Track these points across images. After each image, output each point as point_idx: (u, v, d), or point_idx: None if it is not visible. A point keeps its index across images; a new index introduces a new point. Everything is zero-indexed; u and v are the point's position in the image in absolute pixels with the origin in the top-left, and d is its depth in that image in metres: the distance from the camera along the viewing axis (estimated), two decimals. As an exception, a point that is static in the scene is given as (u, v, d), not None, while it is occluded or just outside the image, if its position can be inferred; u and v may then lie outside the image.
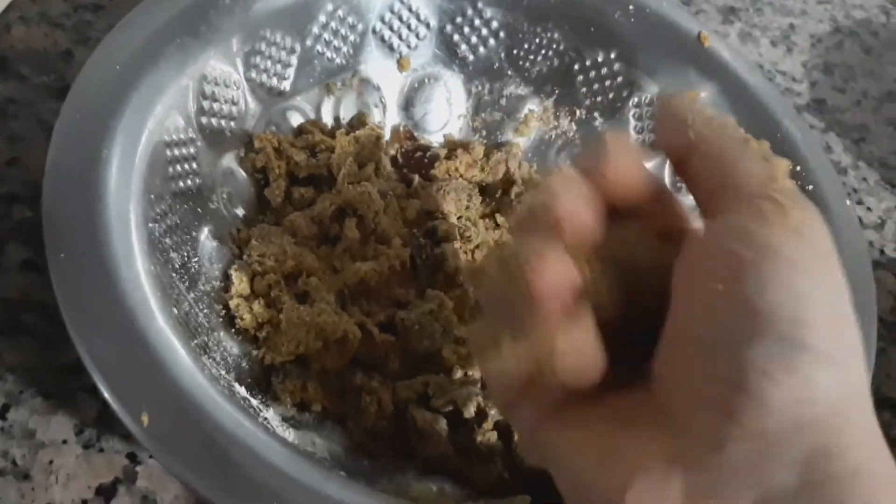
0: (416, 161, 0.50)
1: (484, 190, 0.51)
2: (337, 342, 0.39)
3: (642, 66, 0.49)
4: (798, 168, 0.45)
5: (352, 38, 0.48)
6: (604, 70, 0.50)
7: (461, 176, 0.50)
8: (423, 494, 0.35)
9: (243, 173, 0.45)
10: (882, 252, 0.56)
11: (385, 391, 0.39)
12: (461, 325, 0.42)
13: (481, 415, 0.39)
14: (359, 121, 0.49)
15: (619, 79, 0.50)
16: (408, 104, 0.52)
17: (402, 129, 0.51)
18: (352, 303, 0.42)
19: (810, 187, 0.45)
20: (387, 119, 0.51)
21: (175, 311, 0.34)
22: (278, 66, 0.46)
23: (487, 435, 0.38)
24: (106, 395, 0.30)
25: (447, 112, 0.52)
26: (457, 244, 0.46)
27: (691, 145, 0.24)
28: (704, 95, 0.48)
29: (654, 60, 0.49)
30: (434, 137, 0.52)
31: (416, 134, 0.51)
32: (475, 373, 0.41)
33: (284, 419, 0.37)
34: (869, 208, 0.59)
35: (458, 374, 0.41)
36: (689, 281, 0.23)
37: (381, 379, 0.40)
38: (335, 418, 0.39)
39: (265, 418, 0.34)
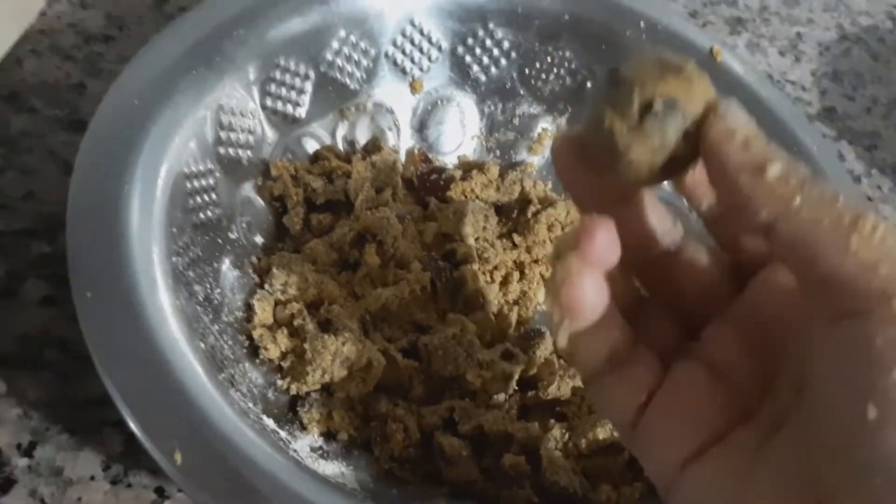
0: (432, 183, 0.50)
1: (500, 210, 0.51)
2: (361, 370, 0.39)
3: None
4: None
5: (365, 62, 0.48)
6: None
7: (477, 197, 0.50)
8: (454, 521, 0.35)
9: (261, 201, 0.45)
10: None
11: (410, 417, 0.39)
12: (483, 349, 0.42)
13: (508, 439, 0.39)
14: (374, 145, 0.49)
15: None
16: (422, 126, 0.52)
17: (416, 151, 0.51)
18: (374, 329, 0.42)
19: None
20: (401, 142, 0.51)
21: (202, 344, 0.34)
22: (293, 93, 0.46)
23: (516, 459, 0.38)
24: (137, 433, 0.30)
25: (461, 133, 0.52)
26: (475, 266, 0.46)
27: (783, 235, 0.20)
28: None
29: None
30: (448, 159, 0.52)
31: (430, 156, 0.51)
32: (500, 396, 0.41)
33: (313, 450, 0.36)
34: (885, 217, 0.59)
35: (482, 396, 0.41)
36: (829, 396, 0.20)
37: (405, 405, 0.40)
38: (362, 446, 0.38)
39: (295, 450, 0.34)
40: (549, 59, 0.51)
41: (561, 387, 0.41)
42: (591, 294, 0.22)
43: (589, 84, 0.51)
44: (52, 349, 0.41)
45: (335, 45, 0.47)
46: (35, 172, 0.47)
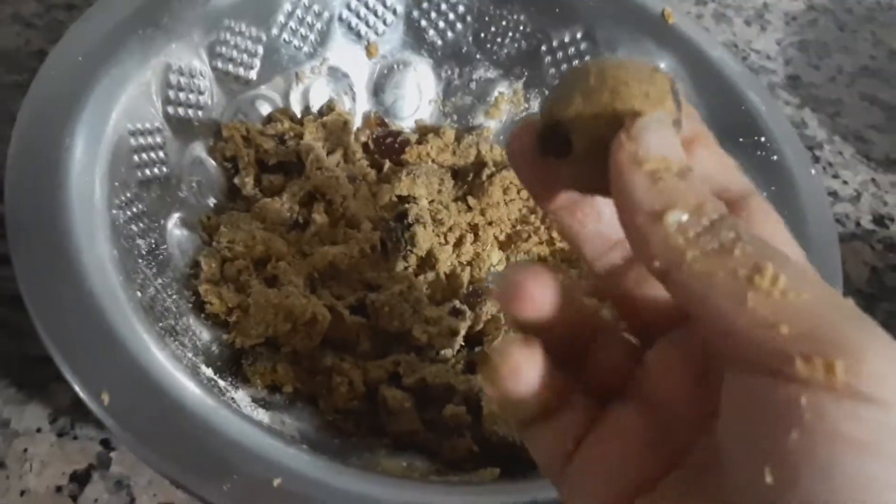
0: (388, 147, 0.50)
1: (456, 173, 0.51)
2: (306, 324, 0.39)
3: (603, 43, 0.50)
4: (763, 139, 0.45)
5: (318, 26, 0.49)
6: (571, 49, 0.51)
7: (433, 160, 0.50)
8: (392, 469, 0.35)
9: (213, 162, 0.45)
10: (858, 224, 0.57)
11: (356, 371, 0.39)
12: (430, 306, 0.42)
13: (450, 390, 0.39)
14: (328, 108, 0.50)
15: (587, 57, 0.51)
16: (378, 90, 0.52)
17: (372, 115, 0.51)
18: (322, 286, 0.43)
19: (775, 157, 0.45)
20: (357, 106, 0.51)
21: (139, 294, 0.34)
22: (244, 56, 0.46)
23: (456, 409, 0.38)
24: (65, 373, 0.30)
25: (417, 97, 0.53)
26: (429, 227, 0.46)
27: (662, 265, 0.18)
28: (663, 66, 0.48)
29: (614, 36, 0.50)
30: (405, 123, 0.53)
31: (387, 120, 0.52)
32: (446, 351, 0.41)
33: (255, 400, 0.37)
34: (845, 181, 0.59)
35: (429, 352, 0.41)
36: (734, 448, 0.18)
37: (351, 360, 0.40)
38: (306, 399, 0.39)
39: (232, 398, 0.34)
40: (504, 23, 0.51)
41: (505, 341, 0.41)
42: (528, 378, 0.21)
43: (543, 47, 0.51)
44: (3, 307, 0.41)
45: (287, 7, 0.47)
46: (-7, 137, 0.48)
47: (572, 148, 0.19)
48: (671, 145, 0.19)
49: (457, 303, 0.43)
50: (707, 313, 0.18)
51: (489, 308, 0.43)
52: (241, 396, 0.36)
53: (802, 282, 0.17)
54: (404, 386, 0.39)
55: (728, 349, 0.18)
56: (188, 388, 0.31)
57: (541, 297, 0.21)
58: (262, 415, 0.36)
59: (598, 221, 0.23)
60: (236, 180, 0.45)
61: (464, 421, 0.38)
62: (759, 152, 0.45)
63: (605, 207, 0.23)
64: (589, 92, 0.19)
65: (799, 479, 0.16)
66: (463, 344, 0.42)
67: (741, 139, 0.46)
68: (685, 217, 0.18)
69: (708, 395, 0.21)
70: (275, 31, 0.47)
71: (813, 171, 0.45)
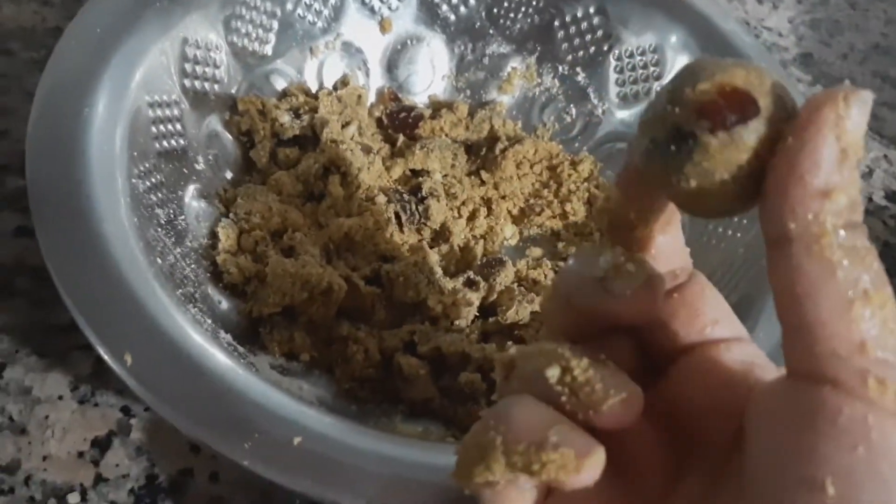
0: (401, 121, 0.50)
1: (469, 148, 0.51)
2: (322, 293, 0.40)
3: (616, 17, 0.50)
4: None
5: (332, 1, 0.49)
6: (583, 24, 0.51)
7: (446, 135, 0.51)
8: (409, 433, 0.36)
9: (229, 136, 0.45)
10: (870, 200, 0.57)
11: (371, 340, 0.40)
12: (445, 277, 0.43)
13: (465, 359, 0.39)
14: (342, 83, 0.50)
15: (599, 32, 0.51)
16: (391, 66, 0.52)
17: (386, 90, 0.52)
18: (337, 257, 0.43)
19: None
20: (371, 81, 0.52)
21: (159, 261, 0.35)
22: (259, 31, 0.46)
23: (471, 376, 0.38)
24: (89, 337, 0.30)
25: (431, 73, 0.53)
26: (443, 201, 0.46)
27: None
28: (674, 40, 0.48)
29: (625, 10, 0.50)
30: (419, 98, 0.53)
31: (400, 95, 0.52)
32: (460, 321, 0.42)
33: (272, 366, 0.37)
34: (857, 158, 0.59)
35: (444, 322, 0.41)
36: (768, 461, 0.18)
37: (367, 329, 0.41)
38: (323, 367, 0.39)
39: (251, 363, 0.35)
40: (517, -3, 0.52)
41: (519, 311, 0.41)
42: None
43: (556, 22, 0.51)
44: (24, 277, 0.42)
45: (303, -19, 0.47)
46: (11, 112, 0.48)
47: (758, 110, 0.17)
48: (864, 131, 0.18)
49: (471, 273, 0.43)
50: (808, 298, 0.17)
51: (503, 279, 0.43)
52: (259, 362, 0.37)
53: None
54: (419, 354, 0.40)
55: (802, 344, 0.17)
56: (209, 350, 0.32)
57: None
58: (279, 380, 0.36)
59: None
60: (252, 154, 0.45)
61: (479, 388, 0.38)
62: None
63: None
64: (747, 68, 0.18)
65: (861, 493, 0.16)
66: (477, 314, 0.43)
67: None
68: (845, 203, 0.17)
69: (678, 448, 0.21)
70: (289, 6, 0.47)
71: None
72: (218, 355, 0.32)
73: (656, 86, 0.50)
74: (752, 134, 0.17)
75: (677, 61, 0.49)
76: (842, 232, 0.17)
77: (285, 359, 0.39)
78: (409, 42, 0.52)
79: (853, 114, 0.17)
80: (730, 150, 0.18)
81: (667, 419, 0.22)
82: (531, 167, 0.50)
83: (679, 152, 0.18)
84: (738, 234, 0.44)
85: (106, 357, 0.30)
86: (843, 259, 0.17)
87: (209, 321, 0.35)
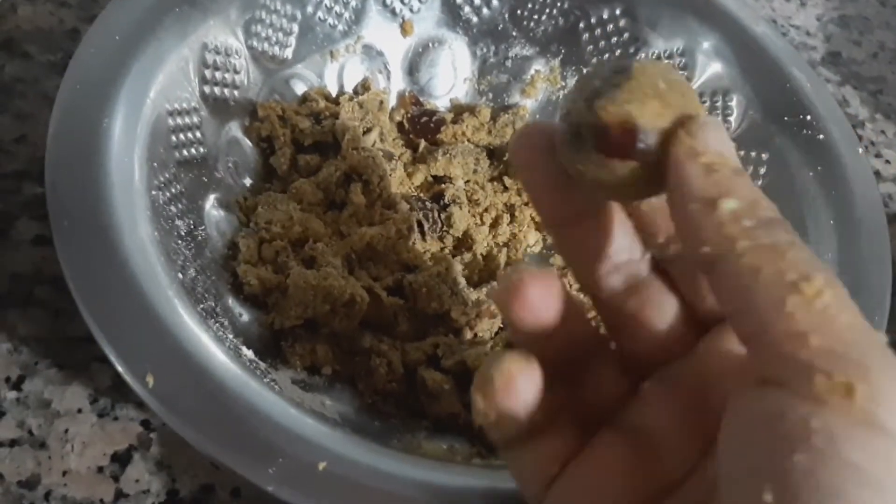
0: (423, 126, 0.49)
1: (492, 153, 0.50)
2: (345, 305, 0.39)
3: (643, 20, 0.49)
4: (808, 118, 0.44)
5: (353, 3, 0.48)
6: (609, 27, 0.50)
7: (468, 140, 0.50)
8: (434, 452, 0.35)
9: (249, 142, 0.45)
10: (900, 204, 0.55)
11: (394, 353, 0.39)
12: (469, 288, 0.42)
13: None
14: (363, 87, 0.49)
15: (625, 35, 0.50)
16: (413, 69, 0.51)
17: (407, 94, 0.51)
18: (359, 267, 0.42)
19: (821, 137, 0.44)
20: (392, 85, 0.51)
21: (180, 276, 0.34)
22: (279, 35, 0.46)
23: (497, 392, 0.38)
24: (110, 356, 0.30)
25: (452, 76, 0.52)
26: (465, 208, 0.46)
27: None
28: (707, 46, 0.47)
29: (655, 13, 0.49)
30: (440, 102, 0.52)
31: (421, 99, 0.51)
32: (484, 333, 0.41)
33: (294, 381, 0.37)
34: (888, 161, 0.58)
35: (468, 334, 0.41)
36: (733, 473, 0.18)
37: (390, 341, 0.40)
38: (345, 380, 0.39)
39: (273, 380, 0.34)
40: (541, 0, 0.50)
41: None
42: (522, 394, 0.21)
43: (581, 24, 0.50)
44: (43, 287, 0.41)
45: (323, -16, 0.46)
46: (29, 116, 0.48)
47: (637, 147, 0.19)
48: (728, 145, 0.19)
49: (495, 284, 0.42)
50: (744, 308, 0.17)
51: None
52: (282, 377, 0.36)
53: (844, 304, 0.17)
54: (443, 368, 0.39)
55: (755, 354, 0.18)
56: (232, 370, 0.31)
57: (542, 303, 0.20)
58: (302, 396, 0.36)
59: (604, 242, 0.22)
60: (272, 160, 0.45)
61: (504, 404, 0.37)
62: (804, 131, 0.44)
63: (617, 229, 0.22)
64: (663, 94, 0.19)
65: (797, 502, 0.16)
66: (502, 326, 0.42)
67: (786, 118, 0.45)
68: (739, 206, 0.18)
69: (703, 430, 0.21)
70: (310, 9, 0.46)
71: (860, 151, 0.44)
72: (241, 375, 0.31)
73: (684, 90, 0.48)
74: (628, 168, 0.19)
75: (709, 67, 0.47)
76: (756, 232, 0.17)
77: (307, 373, 0.38)
78: (430, 44, 0.51)
79: (703, 135, 0.18)
80: (615, 169, 0.19)
81: (690, 399, 0.22)
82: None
83: (578, 149, 0.20)
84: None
85: (128, 378, 0.29)
86: (762, 258, 0.17)
87: (231, 336, 0.35)
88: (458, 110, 0.51)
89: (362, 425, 0.36)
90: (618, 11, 0.49)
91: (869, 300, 0.38)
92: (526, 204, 0.48)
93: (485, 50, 0.52)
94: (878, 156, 0.58)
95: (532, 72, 0.52)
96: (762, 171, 0.45)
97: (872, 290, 0.38)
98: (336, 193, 0.44)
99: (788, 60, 0.46)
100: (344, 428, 0.33)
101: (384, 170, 0.44)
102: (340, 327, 0.39)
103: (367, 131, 0.46)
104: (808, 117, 0.44)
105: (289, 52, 0.46)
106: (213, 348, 0.31)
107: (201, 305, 0.34)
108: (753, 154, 0.45)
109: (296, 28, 0.46)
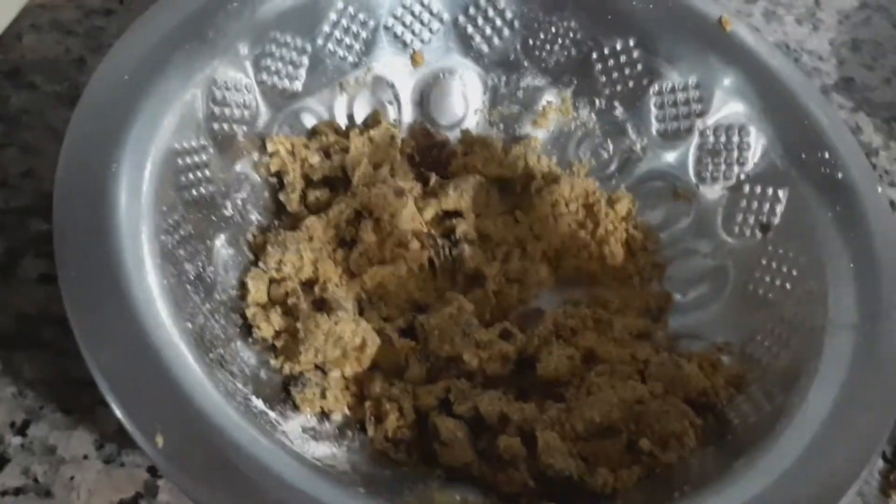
0: (433, 158, 0.49)
1: (503, 185, 0.50)
2: (355, 349, 0.38)
3: (662, 54, 0.48)
4: (827, 156, 0.43)
5: (363, 35, 0.47)
6: (622, 58, 0.49)
7: (479, 171, 0.49)
8: (446, 504, 0.34)
9: (258, 178, 0.44)
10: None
11: (406, 397, 0.38)
12: (481, 328, 0.41)
13: (504, 420, 0.38)
14: (373, 119, 0.48)
15: (639, 67, 0.49)
16: (423, 100, 0.51)
17: (417, 125, 0.50)
18: (370, 308, 0.42)
19: (840, 175, 0.43)
20: (402, 116, 0.50)
21: (189, 325, 0.34)
22: (289, 68, 0.45)
23: (511, 441, 0.37)
24: (118, 414, 0.29)
25: (463, 106, 0.51)
26: (476, 243, 0.45)
27: None
28: (727, 83, 0.47)
29: (673, 47, 0.48)
30: (451, 133, 0.51)
31: (432, 130, 0.50)
32: (496, 375, 0.40)
33: (304, 430, 0.36)
34: (900, 189, 0.57)
35: (479, 377, 0.40)
36: None
37: (401, 385, 0.39)
38: (356, 427, 0.38)
39: (283, 432, 0.34)
40: (553, 30, 0.50)
41: (559, 366, 0.40)
42: None
43: (594, 55, 0.50)
44: (49, 327, 0.41)
45: (332, 16, 0.46)
46: (35, 149, 0.47)
47: None
48: None
49: (507, 325, 0.42)
50: None
51: (540, 330, 0.41)
52: (292, 427, 0.36)
53: None
54: (456, 414, 0.38)
55: None
56: (243, 427, 0.30)
57: None
58: (313, 447, 0.35)
59: None
60: (281, 196, 0.44)
61: (518, 453, 0.37)
62: (823, 169, 0.43)
63: None
64: None
65: None
66: (515, 368, 0.41)
67: (804, 155, 0.44)
68: None
69: None
70: (320, 42, 0.46)
71: (880, 189, 0.43)
72: (252, 433, 0.30)
73: (698, 123, 0.48)
74: None
75: (727, 105, 0.47)
76: None
77: (317, 419, 0.37)
78: (441, 75, 0.50)
79: None
80: None
81: None
82: (567, 206, 0.48)
83: None
84: (788, 286, 0.42)
85: (136, 438, 0.29)
86: None
87: (240, 385, 0.34)
88: (469, 141, 0.50)
89: (373, 476, 0.36)
90: (631, 43, 0.49)
91: (889, 348, 0.37)
92: (537, 238, 0.47)
93: (496, 80, 0.51)
94: (892, 185, 0.57)
95: (544, 102, 0.51)
96: (779, 209, 0.44)
97: (893, 337, 0.38)
98: (346, 231, 0.43)
99: (806, 95, 0.46)
100: (355, 483, 0.33)
101: (395, 206, 0.43)
102: (351, 371, 0.39)
103: (378, 166, 0.45)
104: (827, 155, 0.43)
105: (299, 85, 0.46)
106: (223, 404, 0.31)
107: (210, 355, 0.34)
108: (770, 192, 0.45)
109: (306, 61, 0.46)
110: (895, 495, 0.43)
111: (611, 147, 0.51)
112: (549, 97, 0.51)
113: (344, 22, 0.46)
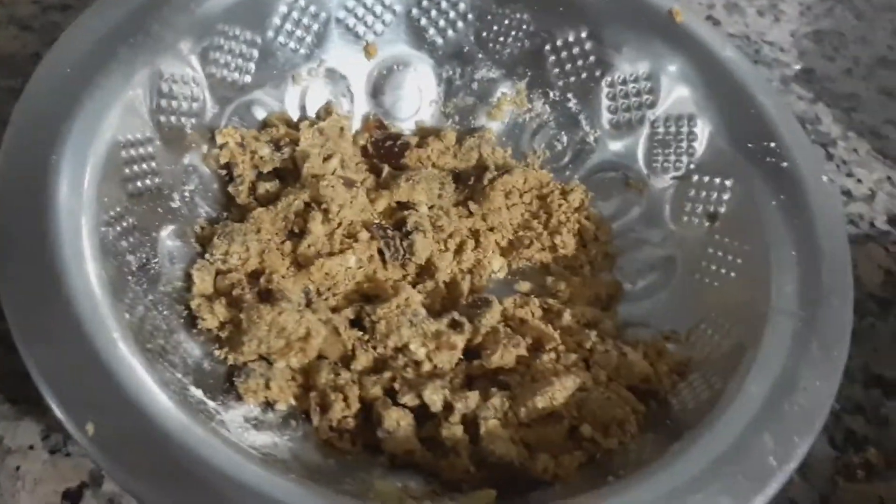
0: (387, 150, 0.49)
1: (457, 177, 0.50)
2: (300, 340, 0.38)
3: (609, 43, 0.48)
4: (773, 145, 0.44)
5: (315, 27, 0.48)
6: (575, 49, 0.49)
7: (434, 164, 0.49)
8: (386, 492, 0.35)
9: (207, 170, 0.44)
10: (872, 225, 0.55)
11: (352, 387, 0.39)
12: (429, 319, 0.41)
13: (448, 408, 0.38)
14: (326, 112, 0.48)
15: (591, 58, 0.49)
16: (377, 92, 0.51)
17: (371, 117, 0.50)
18: (318, 298, 0.42)
19: (785, 164, 0.43)
20: (356, 108, 0.50)
21: (128, 316, 0.34)
22: (239, 61, 0.45)
23: (453, 429, 0.37)
24: (50, 402, 0.29)
25: (418, 98, 0.51)
26: (429, 235, 0.45)
27: None
28: (672, 69, 0.47)
29: (620, 35, 0.48)
30: (405, 125, 0.51)
31: (386, 122, 0.51)
32: (444, 364, 0.40)
33: (247, 420, 0.36)
34: (859, 180, 0.57)
35: (427, 366, 0.40)
36: None
37: (347, 375, 0.39)
38: (301, 416, 0.38)
39: (221, 421, 0.34)
40: (507, 22, 0.50)
41: (505, 356, 0.40)
42: None
43: (547, 47, 0.50)
44: (-2, 320, 0.41)
45: (282, 9, 0.46)
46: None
47: None
48: None
49: (455, 315, 0.42)
50: None
51: (488, 319, 0.42)
52: (233, 417, 0.36)
53: None
54: (401, 403, 0.38)
55: None
56: (177, 417, 0.30)
57: None
58: (254, 436, 0.35)
59: None
60: (230, 188, 0.44)
61: (461, 441, 0.37)
62: (768, 158, 0.43)
63: None
64: None
65: None
66: (462, 357, 0.41)
67: (750, 144, 0.44)
68: None
69: None
70: (270, 34, 0.46)
71: (825, 178, 0.43)
72: (186, 422, 0.31)
73: (649, 114, 0.48)
74: None
75: (674, 91, 0.47)
76: None
77: (261, 409, 0.38)
78: (395, 67, 0.51)
79: None
80: None
81: None
82: (520, 196, 0.49)
83: None
84: (733, 274, 0.43)
85: (68, 427, 0.29)
86: None
87: (179, 376, 0.34)
88: (424, 134, 0.51)
89: (315, 464, 0.36)
90: (583, 34, 0.49)
91: (829, 334, 0.38)
92: (491, 229, 0.48)
93: (450, 72, 0.51)
94: (849, 175, 0.57)
95: (498, 94, 0.52)
96: (726, 197, 0.45)
97: (832, 323, 0.38)
98: (296, 223, 0.43)
99: (755, 86, 0.46)
100: (293, 472, 0.33)
101: (344, 198, 0.43)
102: (296, 362, 0.39)
103: (328, 158, 0.45)
104: (773, 144, 0.44)
105: (248, 78, 0.46)
106: (157, 393, 0.31)
107: (149, 345, 0.34)
108: (718, 181, 0.45)
109: (256, 53, 0.46)
110: (843, 482, 0.43)
111: (565, 138, 0.51)
112: (504, 89, 0.52)
113: (294, 14, 0.46)
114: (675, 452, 0.34)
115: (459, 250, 0.47)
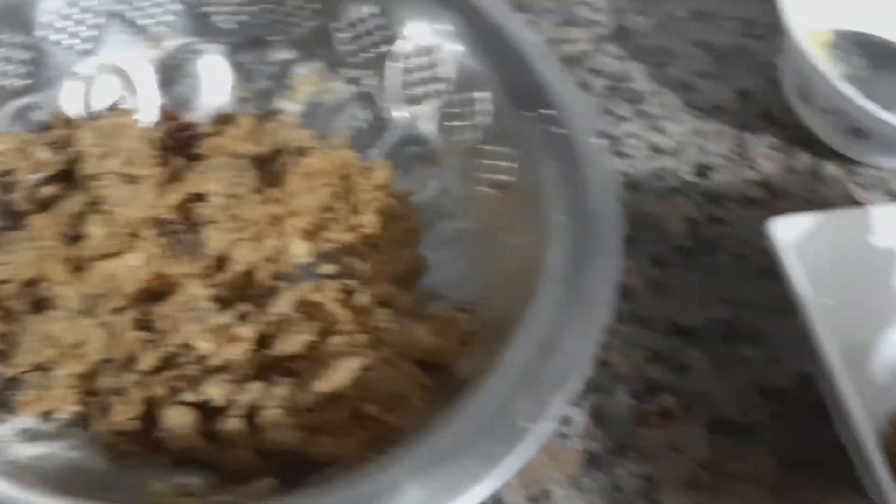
0: (181, 141, 0.48)
1: (258, 163, 0.50)
2: (76, 346, 0.38)
3: (394, 17, 0.48)
4: (550, 112, 0.45)
5: (90, 20, 0.46)
6: (359, 27, 0.49)
7: (232, 151, 0.49)
8: (160, 492, 0.35)
9: (-16, 179, 0.43)
10: (680, 178, 0.57)
11: (134, 389, 0.39)
12: (216, 313, 0.41)
13: (230, 402, 0.38)
14: (111, 108, 0.48)
15: (377, 34, 0.49)
16: (168, 82, 0.50)
17: (163, 109, 0.49)
18: (103, 302, 0.41)
19: (563, 131, 0.44)
20: (148, 101, 0.49)
21: None
22: (6, 64, 0.44)
23: (232, 421, 0.37)
24: None
25: (212, 86, 0.51)
26: (222, 226, 0.45)
27: None
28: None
29: (404, 8, 0.48)
30: (202, 114, 0.51)
31: (181, 112, 0.50)
32: (233, 358, 0.41)
33: (21, 432, 0.36)
34: (668, 134, 0.59)
35: (215, 360, 0.40)
36: None
37: (129, 377, 0.39)
38: (81, 423, 0.38)
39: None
40: (292, 2, 0.49)
41: (291, 342, 0.40)
42: None
43: (333, 24, 0.50)
44: None
45: (49, 5, 0.44)
46: None
47: None
48: None
49: (243, 307, 0.42)
50: None
51: (278, 307, 0.42)
52: (5, 431, 0.35)
53: None
54: (184, 402, 0.39)
55: None
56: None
57: None
58: (26, 449, 0.35)
59: None
60: (8, 196, 0.43)
61: (241, 433, 0.37)
62: (544, 125, 0.44)
63: None
64: None
65: None
66: (256, 348, 0.42)
67: (526, 112, 0.45)
68: None
69: None
70: (39, 33, 0.45)
71: (593, 140, 0.44)
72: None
73: (438, 86, 0.48)
74: None
75: (459, 61, 0.47)
76: None
77: (40, 420, 0.37)
78: (184, 56, 0.50)
79: None
80: None
81: None
82: (323, 178, 0.49)
83: None
84: (518, 243, 0.44)
85: None
86: None
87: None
88: (220, 121, 0.50)
89: (93, 470, 0.36)
90: (367, 11, 0.49)
91: (591, 296, 0.39)
92: (293, 214, 0.48)
93: (243, 57, 0.51)
94: (657, 129, 0.59)
95: (294, 76, 0.51)
96: (514, 166, 0.45)
97: (595, 285, 0.39)
98: (74, 226, 0.42)
99: (533, 53, 0.47)
100: (60, 482, 0.33)
101: (124, 196, 0.43)
102: (75, 369, 0.38)
103: (106, 157, 0.44)
104: (550, 111, 0.45)
105: (22, 82, 0.44)
106: None
107: None
108: (504, 150, 0.46)
109: (26, 55, 0.44)
110: (636, 428, 0.45)
111: (363, 116, 0.51)
112: (299, 69, 0.51)
113: (64, 10, 0.45)
114: (443, 420, 0.35)
115: (259, 238, 0.46)
